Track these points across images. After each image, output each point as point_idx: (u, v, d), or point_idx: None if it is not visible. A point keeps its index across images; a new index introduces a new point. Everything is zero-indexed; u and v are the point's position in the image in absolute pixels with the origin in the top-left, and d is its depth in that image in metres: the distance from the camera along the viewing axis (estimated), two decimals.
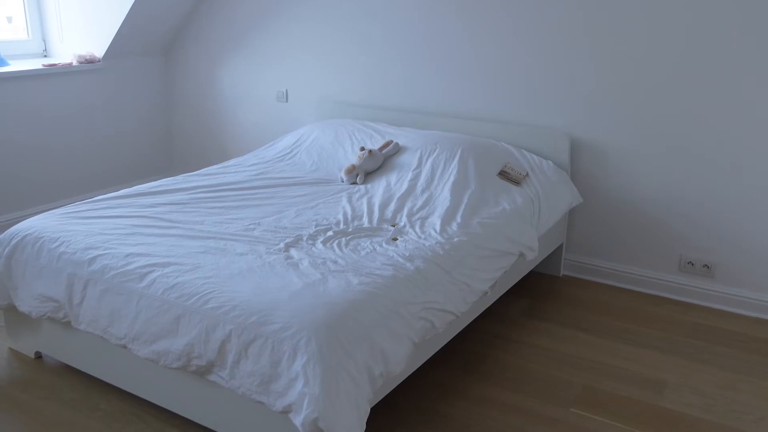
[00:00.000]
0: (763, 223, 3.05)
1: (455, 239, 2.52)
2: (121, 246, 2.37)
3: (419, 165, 3.19)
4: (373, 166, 3.26)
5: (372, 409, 2.28)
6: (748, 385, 2.58)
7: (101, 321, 2.26)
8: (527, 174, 3.19)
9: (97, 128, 4.38)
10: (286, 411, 1.86)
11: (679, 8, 3.01)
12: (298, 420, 1.80)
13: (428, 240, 2.50)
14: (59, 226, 2.54)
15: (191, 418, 2.19)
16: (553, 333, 2.96)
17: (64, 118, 4.18)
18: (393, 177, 3.17)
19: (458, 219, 2.71)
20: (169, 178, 3.21)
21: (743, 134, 3.00)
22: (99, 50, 4.25)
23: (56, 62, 4.14)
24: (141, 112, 4.64)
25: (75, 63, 4.16)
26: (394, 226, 2.68)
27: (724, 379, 2.63)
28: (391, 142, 3.36)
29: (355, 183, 3.20)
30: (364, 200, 2.95)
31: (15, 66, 3.96)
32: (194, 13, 4.49)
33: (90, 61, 4.21)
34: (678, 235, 3.26)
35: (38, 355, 2.71)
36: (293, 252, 2.36)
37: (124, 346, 2.21)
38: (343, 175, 3.24)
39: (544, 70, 3.40)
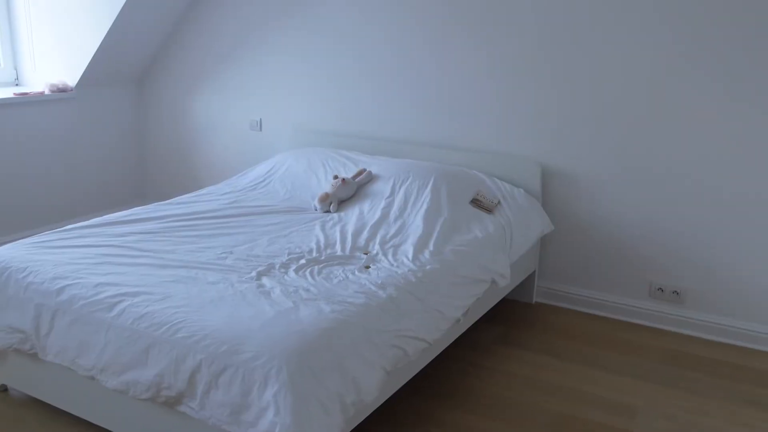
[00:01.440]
0: (730, 250, 3.11)
1: (428, 267, 2.54)
2: (90, 275, 2.34)
3: (392, 193, 3.21)
4: (346, 194, 3.27)
5: None
6: (718, 410, 2.61)
7: (69, 352, 2.22)
8: (499, 202, 3.23)
9: (69, 157, 4.34)
10: None
11: (647, 38, 3.10)
12: None
13: (401, 268, 2.51)
14: (27, 256, 2.50)
15: None
16: (526, 360, 2.98)
17: (36, 147, 4.14)
18: (366, 205, 3.18)
19: (431, 247, 2.73)
20: (140, 207, 3.19)
21: (712, 162, 3.07)
22: (72, 79, 4.24)
23: (28, 91, 4.12)
24: (114, 141, 4.62)
25: (47, 92, 4.14)
26: (366, 254, 2.68)
27: (694, 403, 2.65)
28: (365, 170, 3.39)
29: (328, 211, 3.21)
30: (337, 228, 2.95)
31: None
32: (168, 43, 4.51)
33: (62, 90, 4.20)
34: (648, 261, 3.30)
35: (3, 388, 2.65)
36: (265, 280, 2.35)
37: (93, 378, 2.18)
38: (316, 203, 3.25)
39: (516, 100, 3.46)
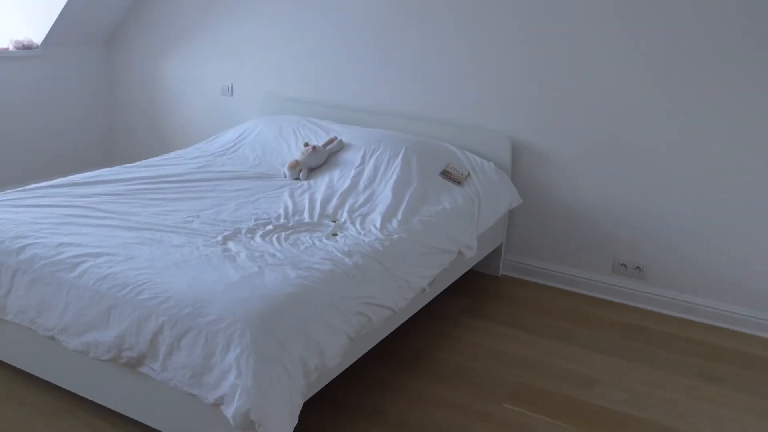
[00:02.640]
0: (691, 228, 3.17)
1: (395, 236, 2.54)
2: (52, 235, 2.31)
3: (362, 162, 3.20)
4: (316, 162, 3.26)
5: (308, 403, 2.28)
6: (675, 383, 2.68)
7: (29, 312, 2.20)
8: (469, 174, 3.24)
9: (33, 117, 4.25)
10: (217, 403, 1.84)
11: (618, 18, 3.11)
12: (229, 412, 1.79)
13: (368, 236, 2.51)
14: None
15: (122, 412, 2.14)
16: (490, 331, 3.01)
17: None
18: (336, 173, 3.17)
19: (399, 216, 2.73)
20: (106, 169, 3.14)
21: (676, 142, 3.11)
22: (37, 36, 4.13)
23: None
24: (80, 102, 4.52)
25: (11, 48, 4.03)
26: (334, 221, 2.68)
27: (651, 376, 2.71)
28: (336, 138, 3.37)
29: (298, 179, 3.19)
30: (306, 196, 2.94)
31: None
32: (138, 3, 4.41)
33: (27, 47, 4.09)
34: (612, 238, 3.35)
35: None
36: (231, 245, 2.34)
37: (53, 338, 2.15)
38: (286, 170, 3.23)
39: (489, 75, 3.46)
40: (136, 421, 2.16)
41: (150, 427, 2.13)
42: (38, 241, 2.27)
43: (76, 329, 2.09)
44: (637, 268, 3.32)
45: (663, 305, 3.29)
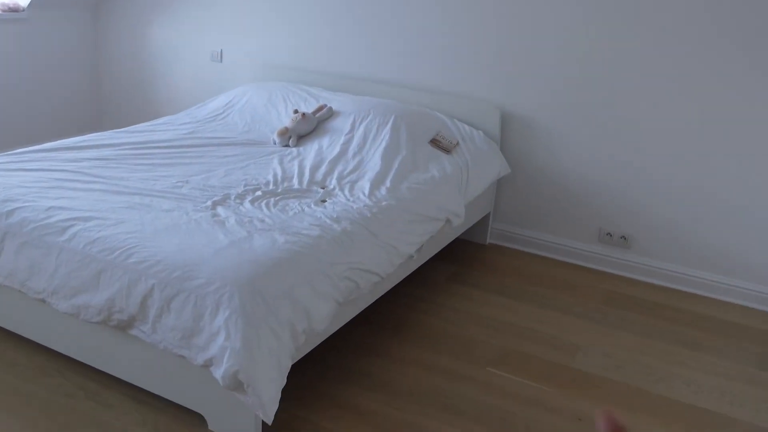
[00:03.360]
0: (677, 198, 3.21)
1: (383, 203, 2.57)
2: (41, 199, 2.32)
3: (352, 129, 3.21)
4: (306, 129, 3.26)
5: (296, 365, 2.32)
6: (654, 349, 2.74)
7: (19, 275, 2.21)
8: (458, 143, 3.25)
9: (20, 81, 4.21)
10: (207, 365, 1.87)
11: None
12: (218, 373, 1.83)
13: (357, 203, 2.54)
14: None
15: (111, 373, 2.18)
16: (475, 298, 3.06)
17: None
18: (325, 140, 3.18)
19: (387, 183, 2.75)
20: (95, 134, 3.13)
21: (660, 113, 3.14)
22: None
23: None
24: (68, 66, 4.48)
25: None
26: (323, 188, 2.70)
27: (633, 342, 2.78)
28: (325, 106, 3.37)
29: (287, 145, 3.20)
30: (296, 162, 2.95)
31: None
32: None
33: (13, 10, 4.04)
34: (599, 207, 3.39)
35: None
36: (220, 210, 2.36)
37: (44, 301, 2.18)
38: (275, 137, 3.23)
39: (480, 43, 3.45)
40: (127, 383, 2.20)
41: (140, 388, 2.17)
42: (27, 204, 2.28)
43: (66, 292, 2.11)
44: (623, 237, 3.37)
45: (647, 274, 3.35)
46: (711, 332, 2.91)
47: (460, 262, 3.43)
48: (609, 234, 3.40)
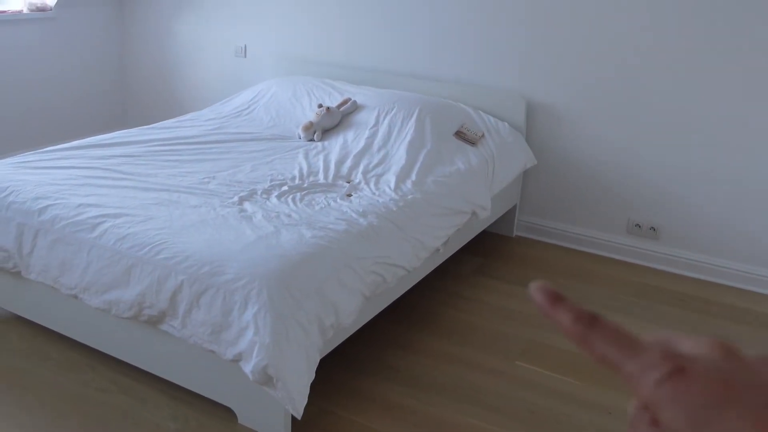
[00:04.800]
0: (706, 189, 3.16)
1: (409, 196, 2.56)
2: (72, 196, 2.35)
3: (376, 123, 3.20)
4: (330, 123, 3.26)
5: (323, 360, 2.33)
6: None
7: (52, 271, 2.25)
8: (483, 135, 3.23)
9: (48, 79, 4.27)
10: (236, 359, 1.89)
11: None
12: (248, 368, 1.84)
13: (382, 196, 2.54)
14: (9, 176, 2.50)
15: (142, 367, 2.21)
16: (502, 290, 3.04)
17: (14, 67, 4.06)
18: (350, 134, 3.18)
19: (413, 177, 2.75)
20: (123, 131, 3.17)
21: (691, 102, 3.08)
22: None
23: (6, 9, 4.01)
24: (95, 63, 4.53)
25: (25, 10, 4.04)
26: (349, 182, 2.70)
27: None
28: (349, 99, 3.37)
29: (312, 140, 3.20)
30: (321, 157, 2.96)
31: None
32: None
33: (41, 9, 4.09)
34: (627, 198, 3.35)
35: None
36: (247, 205, 2.37)
37: (75, 296, 2.21)
38: (300, 131, 3.24)
39: (504, 34, 3.42)
40: (158, 377, 2.23)
41: (171, 383, 2.20)
42: (59, 201, 2.31)
43: (98, 288, 2.14)
44: (652, 228, 3.32)
45: (677, 265, 3.30)
46: (743, 324, 2.86)
47: (486, 254, 3.41)
48: (638, 225, 3.35)
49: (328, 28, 3.91)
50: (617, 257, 3.43)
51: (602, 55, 3.22)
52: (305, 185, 2.62)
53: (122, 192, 2.42)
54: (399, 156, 2.93)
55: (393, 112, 3.23)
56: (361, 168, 2.84)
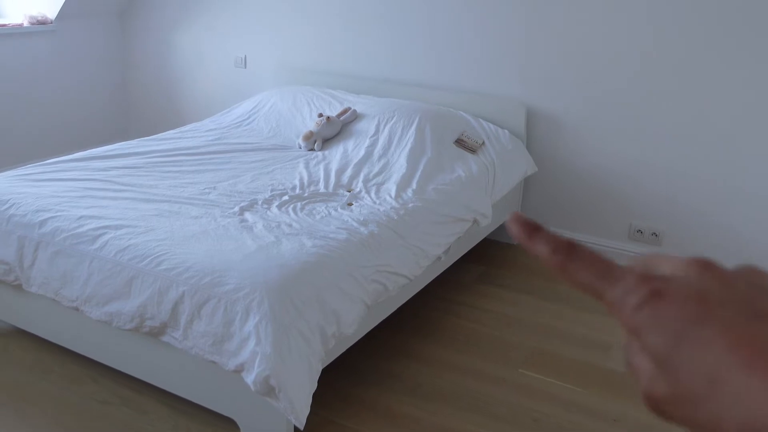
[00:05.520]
0: (708, 194, 3.15)
1: (410, 205, 2.56)
2: (72, 208, 2.35)
3: (377, 132, 3.20)
4: (330, 132, 3.27)
5: (325, 369, 2.32)
6: None
7: (53, 283, 2.25)
8: (483, 142, 3.23)
9: (49, 91, 4.28)
10: (238, 370, 1.88)
11: None
12: (249, 378, 1.83)
13: (383, 205, 2.53)
14: (9, 188, 2.50)
15: (145, 379, 2.20)
16: (504, 298, 3.04)
17: (15, 80, 4.08)
18: (350, 143, 3.18)
19: (414, 185, 2.75)
20: (123, 143, 3.17)
21: (693, 108, 3.08)
22: (51, 11, 4.14)
23: (6, 22, 4.03)
24: (95, 75, 4.54)
25: (26, 24, 4.05)
26: (349, 191, 2.70)
27: None
28: (349, 109, 3.37)
29: (312, 149, 3.21)
30: (321, 166, 2.96)
31: None
32: None
33: (42, 22, 4.11)
34: (628, 204, 3.34)
35: None
36: (248, 215, 2.37)
37: (77, 309, 2.20)
38: (300, 141, 3.24)
39: (504, 41, 3.43)
40: (160, 389, 2.22)
41: (173, 394, 2.19)
42: (59, 214, 2.31)
43: (99, 300, 2.14)
44: (654, 234, 3.32)
45: None
46: None
47: (488, 262, 3.40)
48: (640, 231, 3.35)
49: (327, 38, 3.92)
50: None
51: (602, 62, 3.22)
52: (306, 195, 2.62)
53: (123, 203, 2.42)
54: (399, 164, 2.93)
55: (393, 121, 3.23)
56: (361, 177, 2.84)
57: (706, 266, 0.33)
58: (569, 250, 0.36)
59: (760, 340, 0.29)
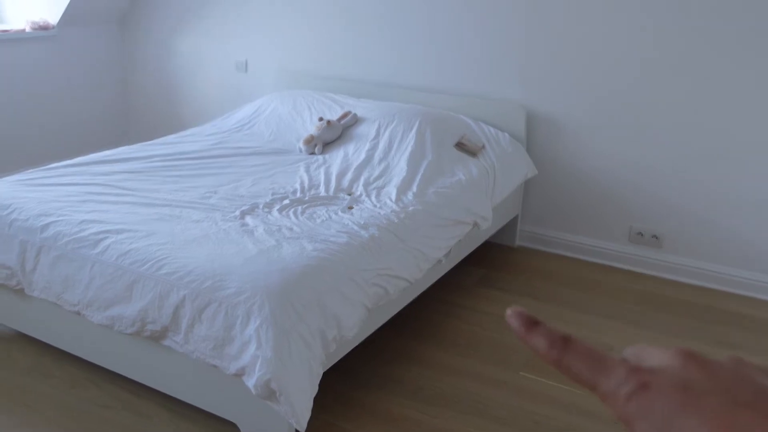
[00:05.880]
0: (708, 196, 3.15)
1: (410, 208, 2.56)
2: (74, 213, 2.35)
3: (377, 135, 3.21)
4: (331, 136, 3.27)
5: (326, 373, 2.32)
6: None
7: (54, 288, 2.25)
8: (484, 146, 3.24)
9: (51, 97, 4.29)
10: (239, 374, 1.89)
11: None
12: (250, 382, 1.84)
13: (384, 208, 2.54)
14: (11, 193, 2.51)
15: (146, 383, 2.21)
16: (505, 301, 3.04)
17: (17, 86, 4.09)
18: (351, 147, 3.19)
19: (414, 188, 2.75)
20: (125, 147, 3.18)
21: (692, 111, 3.09)
22: (53, 16, 4.16)
23: (8, 28, 4.04)
24: (97, 81, 4.56)
25: (28, 29, 4.07)
26: (350, 195, 2.70)
27: (668, 343, 2.72)
28: (350, 112, 3.38)
29: (313, 153, 3.21)
30: (322, 170, 2.96)
31: None
32: None
33: (44, 28, 4.12)
34: (629, 206, 3.35)
35: None
36: (249, 219, 2.37)
37: (78, 313, 2.21)
38: (301, 145, 3.25)
39: (503, 44, 3.44)
40: (161, 393, 2.22)
41: (174, 398, 2.19)
42: (61, 218, 2.32)
43: (100, 304, 2.14)
44: (654, 236, 3.32)
45: (680, 273, 3.30)
46: (748, 331, 2.85)
47: (489, 265, 3.41)
48: (640, 233, 3.35)
49: (328, 42, 3.93)
50: (620, 266, 3.43)
51: (603, 65, 3.23)
52: (306, 198, 2.63)
53: (124, 208, 2.42)
54: (400, 168, 2.94)
55: (393, 125, 3.24)
56: (362, 180, 2.85)
57: (691, 357, 0.35)
58: (565, 344, 0.38)
59: (739, 428, 0.30)
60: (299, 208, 2.51)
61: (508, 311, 0.39)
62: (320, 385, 1.95)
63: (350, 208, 2.54)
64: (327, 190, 2.74)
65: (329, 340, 1.97)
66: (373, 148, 3.13)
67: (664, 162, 3.21)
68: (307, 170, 2.96)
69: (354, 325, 2.07)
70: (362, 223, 2.37)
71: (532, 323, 0.39)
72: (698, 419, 0.31)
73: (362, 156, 3.08)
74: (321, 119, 3.32)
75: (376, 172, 2.93)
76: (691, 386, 0.33)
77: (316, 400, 1.91)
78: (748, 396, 0.32)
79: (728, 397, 0.32)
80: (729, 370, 0.34)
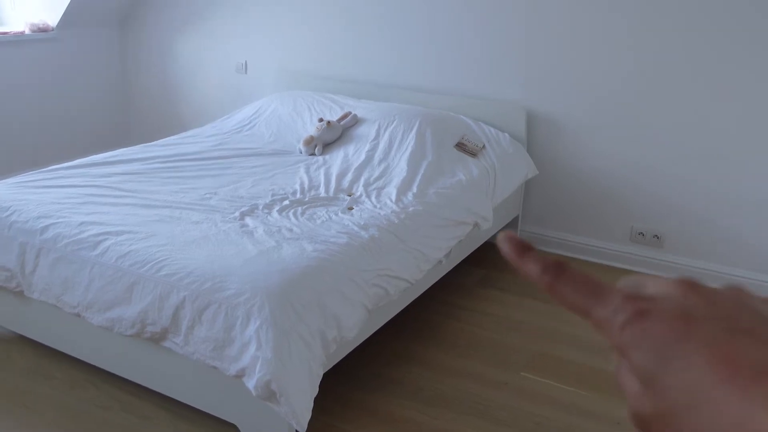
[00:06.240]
0: (709, 196, 3.15)
1: (410, 209, 2.56)
2: (74, 215, 2.35)
3: (377, 136, 3.21)
4: (331, 137, 3.27)
5: (326, 374, 2.32)
6: None
7: (54, 289, 2.25)
8: (484, 146, 3.23)
9: (51, 99, 4.29)
10: (239, 375, 1.88)
11: None
12: (251, 383, 1.83)
13: (384, 209, 2.54)
14: (11, 195, 2.51)
15: (146, 385, 2.20)
16: (506, 301, 3.03)
17: (17, 88, 4.09)
18: (351, 148, 3.18)
19: (414, 189, 2.75)
20: (125, 149, 3.18)
21: (694, 111, 3.08)
22: (53, 19, 4.15)
23: (7, 30, 4.04)
24: (96, 83, 4.55)
25: (27, 31, 4.07)
26: (350, 195, 2.70)
27: None
28: (350, 113, 3.37)
29: (313, 154, 3.21)
30: (322, 171, 2.96)
31: None
32: None
33: (43, 30, 4.12)
34: (630, 206, 3.34)
35: None
36: (248, 220, 2.37)
37: (78, 315, 2.21)
38: (301, 146, 3.25)
39: (503, 45, 3.43)
40: (161, 394, 2.22)
41: (175, 400, 2.19)
42: (61, 220, 2.32)
43: (100, 306, 2.14)
44: (655, 236, 3.31)
45: (681, 273, 3.29)
46: None
47: (490, 265, 3.40)
48: (641, 233, 3.34)
49: (327, 43, 3.92)
50: (621, 266, 3.42)
51: (603, 65, 3.23)
52: (306, 199, 2.62)
53: (124, 209, 2.42)
54: (400, 168, 2.93)
55: (393, 125, 3.23)
56: (362, 181, 2.84)
57: (691, 286, 0.34)
58: (558, 269, 0.36)
59: (740, 355, 0.29)
60: (299, 209, 2.51)
61: (500, 235, 0.38)
62: (320, 386, 1.94)
63: (350, 208, 2.54)
64: (327, 190, 2.74)
65: (329, 341, 1.96)
66: (373, 149, 3.13)
67: (664, 162, 3.20)
68: (307, 171, 2.95)
69: (354, 325, 2.06)
70: (362, 223, 2.36)
71: (524, 248, 0.38)
72: (697, 347, 0.30)
73: (362, 157, 3.08)
74: (321, 120, 3.32)
75: (376, 173, 2.93)
76: (690, 314, 0.32)
77: (316, 401, 1.90)
78: (747, 323, 0.31)
79: (728, 324, 0.31)
80: (729, 299, 0.33)
